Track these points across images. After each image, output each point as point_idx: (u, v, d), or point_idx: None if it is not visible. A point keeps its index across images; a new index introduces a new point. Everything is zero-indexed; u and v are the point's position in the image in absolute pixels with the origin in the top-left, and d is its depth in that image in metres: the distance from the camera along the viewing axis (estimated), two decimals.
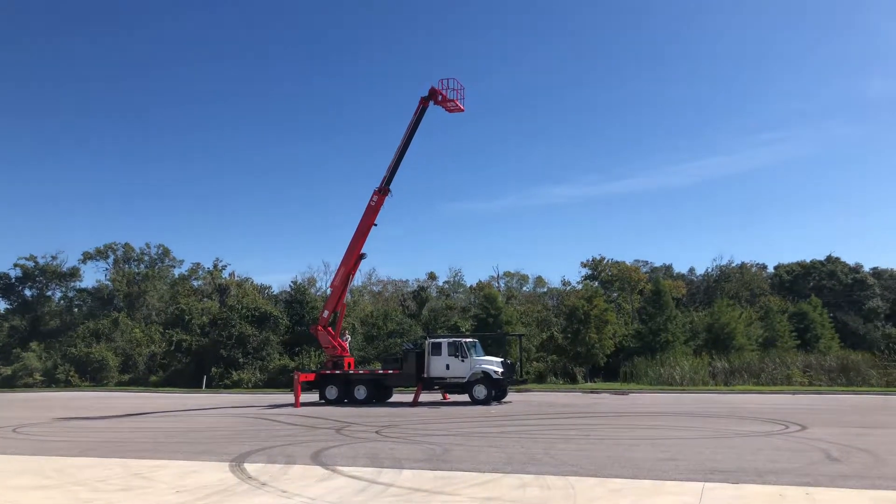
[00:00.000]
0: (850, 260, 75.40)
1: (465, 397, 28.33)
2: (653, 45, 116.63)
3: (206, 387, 44.11)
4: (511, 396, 29.84)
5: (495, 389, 27.75)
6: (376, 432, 18.03)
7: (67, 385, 47.58)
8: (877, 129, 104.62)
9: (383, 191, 30.49)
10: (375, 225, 30.89)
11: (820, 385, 34.09)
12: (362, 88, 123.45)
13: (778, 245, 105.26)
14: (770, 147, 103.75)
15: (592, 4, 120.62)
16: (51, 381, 48.59)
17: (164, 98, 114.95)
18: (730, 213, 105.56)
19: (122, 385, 47.89)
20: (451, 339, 29.16)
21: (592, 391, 34.08)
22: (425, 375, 28.62)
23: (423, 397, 29.18)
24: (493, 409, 25.41)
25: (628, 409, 24.30)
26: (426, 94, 30.13)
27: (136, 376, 49.41)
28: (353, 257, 30.73)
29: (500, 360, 28.68)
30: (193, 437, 17.46)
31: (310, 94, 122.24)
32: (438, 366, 28.40)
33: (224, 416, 24.39)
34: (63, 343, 52.97)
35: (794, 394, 30.45)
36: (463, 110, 31.08)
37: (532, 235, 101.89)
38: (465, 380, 27.83)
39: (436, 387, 29.34)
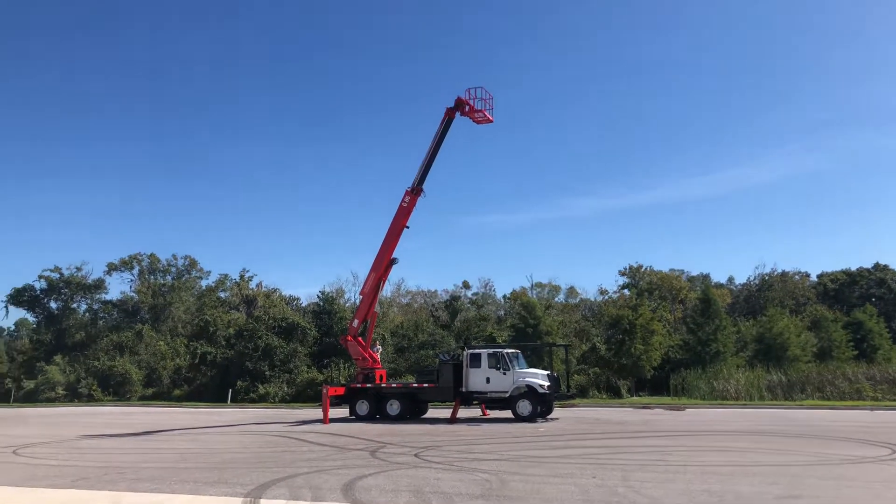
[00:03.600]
0: None
1: (507, 413, 25.96)
2: (674, 55, 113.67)
3: (232, 401, 42.23)
4: (557, 412, 27.37)
5: (541, 405, 25.31)
6: (415, 455, 15.76)
7: (90, 399, 46.07)
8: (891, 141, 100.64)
9: (416, 191, 28.41)
10: (407, 227, 28.84)
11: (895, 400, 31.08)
12: (392, 97, 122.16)
13: (816, 254, 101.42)
14: (798, 157, 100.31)
15: (615, 18, 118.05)
16: (73, 395, 47.14)
17: (192, 109, 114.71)
18: (763, 222, 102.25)
19: (144, 399, 46.25)
20: (491, 350, 26.80)
21: (644, 406, 31.42)
22: (463, 389, 26.31)
23: (461, 413, 26.86)
24: (541, 427, 22.97)
25: (693, 428, 21.72)
26: (452, 104, 28.13)
27: (160, 390, 47.79)
28: (385, 262, 28.63)
29: (545, 372, 26.24)
30: (208, 462, 15.33)
31: (339, 103, 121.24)
32: (478, 379, 26.07)
33: (246, 435, 22.30)
34: (87, 356, 51.65)
35: (871, 409, 27.54)
36: (492, 121, 29.02)
37: (558, 247, 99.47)
38: (508, 394, 25.46)
39: (475, 402, 27.02)
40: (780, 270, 69.79)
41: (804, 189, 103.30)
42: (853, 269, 74.47)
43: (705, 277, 74.95)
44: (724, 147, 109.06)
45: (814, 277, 74.46)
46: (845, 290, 70.60)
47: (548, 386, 25.31)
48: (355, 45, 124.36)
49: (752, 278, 69.97)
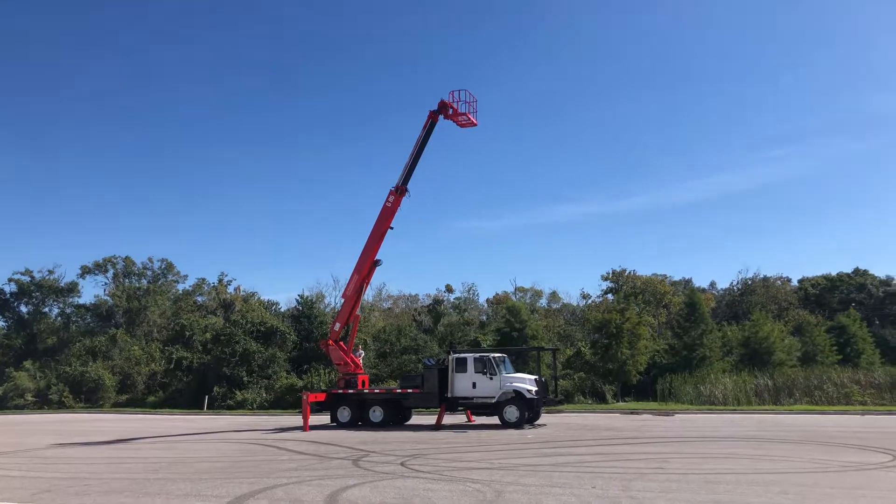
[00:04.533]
0: (878, 273, 72.28)
1: (494, 419, 25.22)
2: (655, 63, 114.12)
3: (208, 407, 41.05)
4: (544, 418, 26.67)
5: (529, 411, 24.59)
6: (401, 464, 14.96)
7: (61, 406, 44.58)
8: (881, 144, 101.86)
9: (400, 190, 27.64)
10: (392, 228, 28.02)
11: (885, 404, 30.77)
12: (374, 98, 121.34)
13: (796, 259, 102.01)
14: (777, 163, 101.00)
15: (596, 23, 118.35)
16: (44, 402, 45.59)
17: (169, 110, 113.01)
18: (743, 228, 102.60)
19: (118, 406, 44.85)
20: (477, 355, 26.03)
21: (632, 412, 30.82)
22: (449, 395, 25.53)
23: (446, 419, 26.08)
24: (529, 433, 22.26)
25: (686, 434, 21.13)
26: (436, 107, 27.41)
27: (134, 397, 46.38)
28: (368, 264, 27.80)
29: (533, 377, 25.52)
30: (182, 472, 14.41)
31: (321, 105, 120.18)
32: (464, 384, 25.31)
33: (223, 443, 21.33)
34: (59, 362, 50.09)
35: (862, 414, 27.17)
36: (476, 124, 28.31)
37: (540, 252, 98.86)
38: (495, 400, 24.71)
39: (460, 407, 26.27)
40: (762, 275, 69.84)
41: (784, 195, 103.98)
42: (833, 273, 74.87)
43: (687, 282, 74.89)
44: (704, 154, 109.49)
45: (795, 282, 74.81)
46: (826, 294, 70.91)
47: (535, 391, 24.61)
48: (336, 45, 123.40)
49: (735, 283, 69.84)
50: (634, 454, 16.18)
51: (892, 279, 71.97)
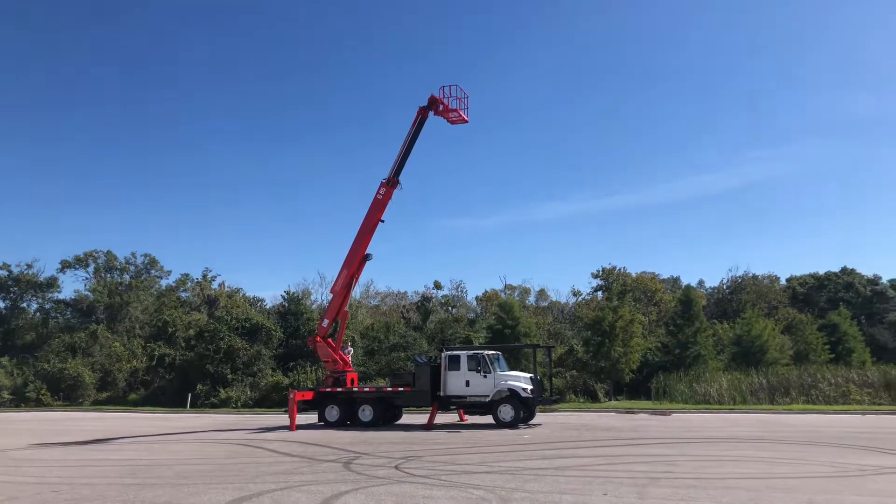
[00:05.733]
0: (865, 272, 72.24)
1: (487, 419, 24.44)
2: (642, 61, 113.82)
3: (191, 406, 39.95)
4: (538, 417, 25.89)
5: (524, 410, 23.81)
6: (395, 468, 14.10)
7: (38, 404, 43.29)
8: (864, 145, 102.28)
9: (392, 182, 26.74)
10: (382, 221, 27.15)
11: (883, 403, 30.29)
12: (363, 93, 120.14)
13: (782, 259, 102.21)
14: (761, 164, 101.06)
15: (584, 22, 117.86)
16: (20, 399, 44.27)
17: (155, 106, 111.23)
18: (729, 227, 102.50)
19: (98, 404, 43.63)
20: (471, 352, 25.22)
21: (627, 411, 30.13)
22: (441, 394, 24.69)
23: (438, 419, 25.24)
24: (525, 433, 21.48)
25: (687, 434, 20.42)
26: (425, 103, 26.57)
27: (115, 394, 45.18)
28: (358, 258, 26.89)
29: (528, 375, 24.75)
30: (160, 476, 13.47)
31: (305, 101, 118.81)
32: (457, 382, 24.48)
33: (205, 443, 20.38)
34: (38, 358, 48.74)
35: (863, 414, 26.62)
36: (467, 121, 27.43)
37: (527, 251, 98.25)
38: (489, 398, 23.90)
39: (452, 406, 25.43)
40: (751, 274, 69.56)
41: (767, 196, 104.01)
42: (821, 272, 74.75)
43: (675, 280, 74.53)
44: (688, 154, 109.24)
45: (783, 281, 74.69)
46: (814, 293, 70.76)
47: (531, 390, 23.83)
48: (325, 39, 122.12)
49: (724, 281, 69.50)
50: (639, 456, 15.42)
51: (880, 278, 71.99)
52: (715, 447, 17.01)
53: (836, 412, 27.53)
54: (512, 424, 23.30)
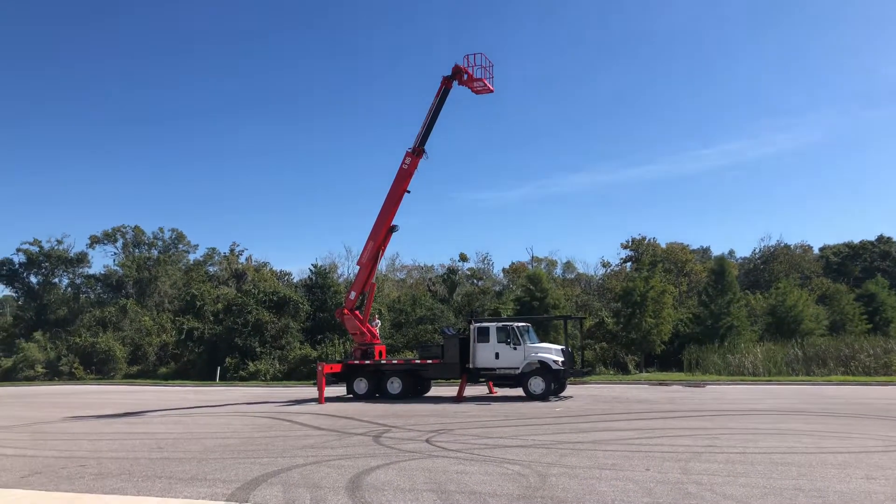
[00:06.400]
0: None
1: (517, 391, 24.06)
2: (671, 30, 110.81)
3: (220, 379, 40.19)
4: (569, 390, 25.44)
5: (555, 382, 23.33)
6: (427, 441, 13.76)
7: (71, 378, 43.91)
8: (887, 114, 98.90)
9: (417, 152, 26.13)
10: (408, 192, 26.56)
11: None
12: (384, 65, 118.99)
13: (814, 227, 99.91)
14: (789, 132, 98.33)
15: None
16: (54, 373, 44.96)
17: (184, 80, 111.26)
18: (760, 196, 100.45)
19: (129, 377, 44.14)
20: (500, 324, 24.73)
21: (660, 383, 29.54)
22: (470, 366, 24.31)
23: (467, 391, 24.91)
24: (557, 406, 21.03)
25: (724, 407, 19.80)
26: (449, 73, 25.69)
27: (145, 368, 45.68)
28: (384, 229, 26.43)
29: (559, 347, 24.25)
30: (188, 451, 13.27)
31: (329, 78, 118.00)
32: (486, 354, 24.07)
33: (234, 416, 20.28)
34: (70, 333, 49.40)
35: None
36: (492, 90, 26.57)
37: (553, 223, 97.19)
38: (519, 371, 23.48)
39: (482, 379, 25.05)
40: (783, 243, 67.97)
41: (797, 164, 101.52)
42: (856, 241, 72.90)
43: (705, 251, 73.20)
44: (719, 122, 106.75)
45: (816, 251, 72.96)
46: (848, 263, 69.14)
47: (562, 362, 23.35)
48: (344, 11, 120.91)
49: (756, 251, 68.03)
50: (677, 429, 14.89)
51: None
52: (755, 420, 16.40)
53: (878, 384, 26.67)
54: (543, 397, 22.89)
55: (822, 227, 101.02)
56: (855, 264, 68.44)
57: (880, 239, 71.92)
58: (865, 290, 50.03)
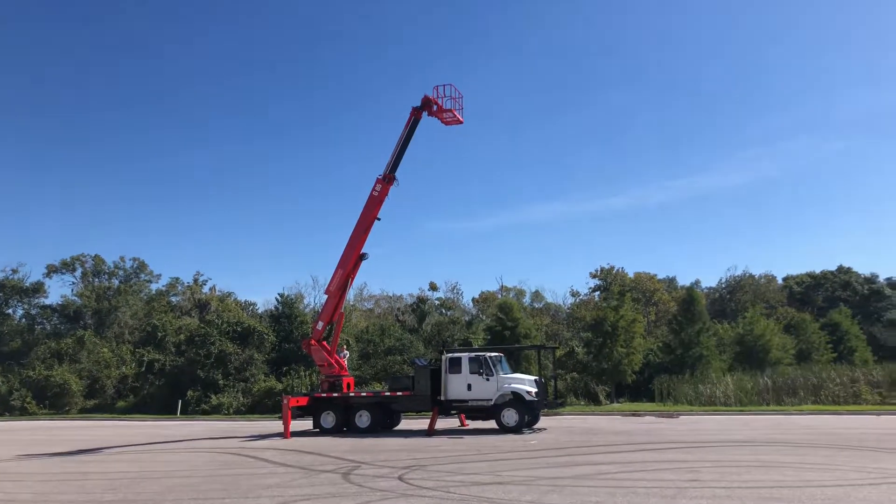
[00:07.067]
0: (861, 270, 71.93)
1: (490, 423, 23.47)
2: (635, 63, 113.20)
3: (182, 412, 38.77)
4: (542, 422, 24.94)
5: (528, 414, 22.87)
6: (399, 478, 13.13)
7: (23, 413, 41.97)
8: (855, 145, 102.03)
9: (388, 178, 25.80)
10: (379, 219, 26.18)
11: (894, 403, 29.52)
12: (355, 92, 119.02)
13: (775, 258, 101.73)
14: (754, 163, 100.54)
15: (578, 24, 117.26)
16: (5, 408, 42.90)
17: (143, 108, 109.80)
18: (718, 228, 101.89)
19: (85, 412, 42.33)
20: (473, 354, 24.24)
21: (633, 413, 29.24)
22: (442, 398, 23.71)
23: (438, 424, 24.25)
24: (532, 438, 20.52)
25: (702, 438, 19.51)
26: (419, 103, 25.63)
27: (103, 402, 43.86)
28: (354, 257, 25.89)
29: (532, 378, 23.81)
30: (144, 492, 12.44)
31: (298, 104, 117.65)
32: (458, 386, 23.50)
33: (195, 453, 19.33)
34: (23, 366, 47.36)
35: (878, 415, 25.81)
36: (462, 122, 26.55)
37: (521, 253, 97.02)
38: (492, 402, 22.94)
39: (454, 411, 24.48)
40: (749, 273, 68.96)
41: (758, 196, 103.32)
42: (817, 272, 74.34)
43: (671, 281, 73.85)
44: (681, 154, 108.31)
45: (780, 280, 74.14)
46: (811, 292, 70.41)
47: (535, 392, 22.90)
48: (311, 40, 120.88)
49: (722, 280, 68.82)
50: (658, 462, 14.50)
51: (877, 276, 71.65)
52: (735, 451, 16.09)
53: (849, 413, 26.71)
54: (516, 429, 22.37)
55: (785, 257, 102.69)
56: (817, 294, 69.70)
57: (840, 269, 73.36)
58: (830, 320, 50.74)
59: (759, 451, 16.13)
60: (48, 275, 56.30)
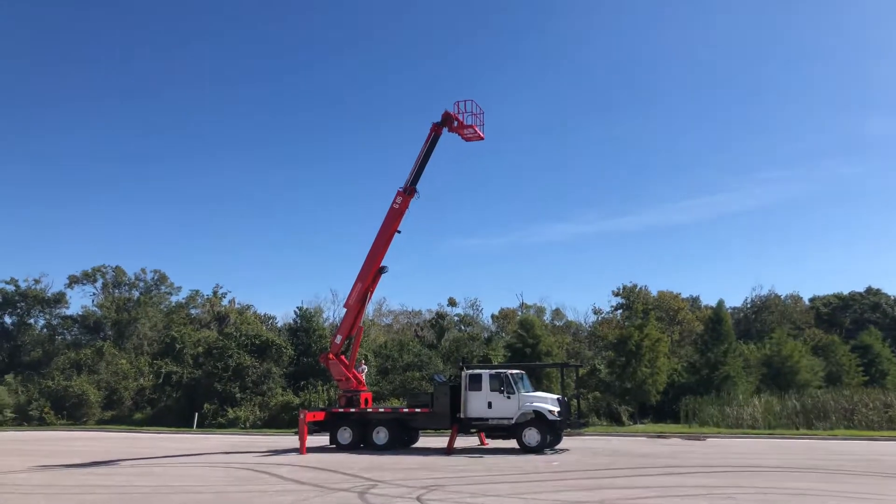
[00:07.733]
0: (890, 292, 70.27)
1: (511, 442, 22.81)
2: (651, 84, 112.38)
3: (198, 426, 38.45)
4: (564, 442, 24.17)
5: (550, 434, 22.18)
6: (417, 499, 12.57)
7: (41, 423, 41.93)
8: (876, 168, 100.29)
9: (409, 191, 25.38)
10: (399, 232, 25.71)
11: None
12: (375, 108, 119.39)
13: (800, 279, 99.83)
14: (778, 184, 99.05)
15: (589, 44, 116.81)
16: (23, 418, 42.93)
17: (165, 118, 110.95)
18: (742, 248, 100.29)
19: (103, 423, 42.20)
20: (493, 371, 23.63)
21: (659, 435, 28.38)
22: (461, 415, 23.08)
23: (457, 442, 23.61)
24: (554, 460, 19.83)
25: (732, 462, 18.70)
26: (439, 119, 25.26)
27: (120, 413, 43.75)
28: (373, 270, 25.46)
29: (555, 396, 23.13)
30: None
31: (318, 115, 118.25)
32: (478, 403, 22.88)
33: (210, 468, 18.88)
34: (43, 376, 47.47)
35: None
36: (483, 138, 26.18)
37: (541, 270, 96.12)
38: (513, 421, 22.29)
39: (473, 430, 23.84)
40: (775, 293, 67.56)
41: (781, 217, 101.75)
42: (845, 293, 72.75)
43: (695, 300, 72.63)
44: (700, 175, 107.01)
45: (806, 301, 72.65)
46: (838, 313, 68.78)
47: (558, 412, 22.22)
48: (334, 53, 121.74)
49: (747, 300, 67.44)
50: (689, 487, 13.80)
51: None
52: (770, 477, 15.31)
53: (885, 439, 25.65)
54: (538, 450, 21.69)
55: (811, 278, 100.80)
56: (845, 315, 68.05)
57: (869, 290, 71.77)
58: (861, 342, 49.39)
59: (797, 477, 15.34)
60: (70, 285, 56.63)
